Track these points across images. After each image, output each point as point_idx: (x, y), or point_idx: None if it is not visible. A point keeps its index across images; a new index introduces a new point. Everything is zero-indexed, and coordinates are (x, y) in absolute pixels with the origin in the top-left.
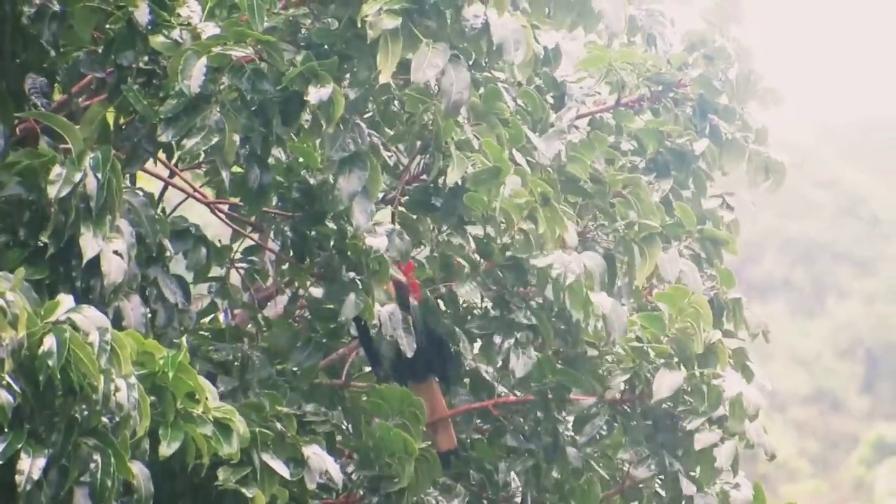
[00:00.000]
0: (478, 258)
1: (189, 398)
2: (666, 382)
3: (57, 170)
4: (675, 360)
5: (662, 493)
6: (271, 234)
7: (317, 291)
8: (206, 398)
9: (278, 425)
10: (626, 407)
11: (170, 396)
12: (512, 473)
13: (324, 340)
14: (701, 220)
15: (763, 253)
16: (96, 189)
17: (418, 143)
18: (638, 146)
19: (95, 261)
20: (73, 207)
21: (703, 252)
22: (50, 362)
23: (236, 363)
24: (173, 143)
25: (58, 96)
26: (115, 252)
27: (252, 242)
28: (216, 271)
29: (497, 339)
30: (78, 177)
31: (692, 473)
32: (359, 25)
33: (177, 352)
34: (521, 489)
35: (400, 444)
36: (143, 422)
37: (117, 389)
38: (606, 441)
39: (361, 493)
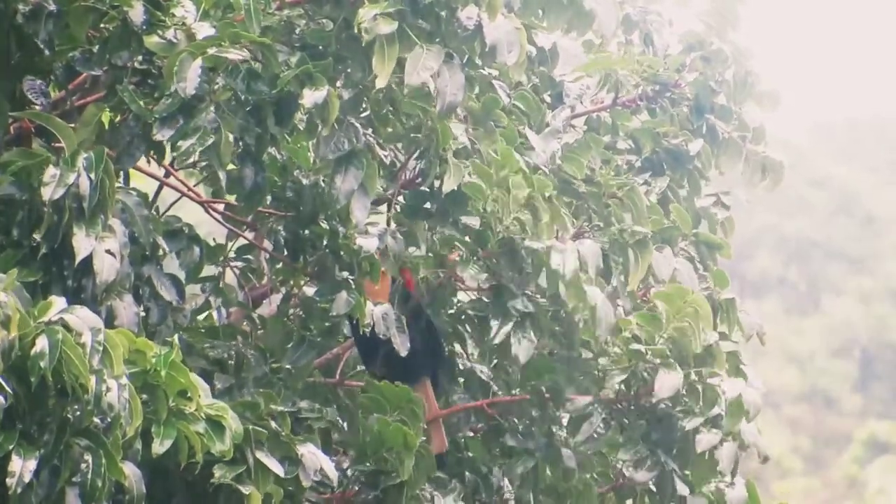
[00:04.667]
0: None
1: (181, 396)
2: (667, 383)
3: (51, 171)
4: (671, 360)
5: (654, 489)
6: (265, 234)
7: (310, 290)
8: (199, 396)
9: (272, 423)
10: (621, 406)
11: (162, 394)
12: (505, 477)
13: (318, 339)
14: (695, 220)
15: (757, 251)
16: (89, 190)
17: (414, 146)
18: (634, 146)
19: (88, 260)
20: (66, 208)
21: (697, 255)
22: (42, 363)
23: (231, 361)
24: (167, 142)
25: (53, 95)
26: (108, 251)
27: (246, 241)
28: (210, 270)
29: (494, 324)
30: (72, 178)
31: (686, 473)
32: (355, 30)
33: (169, 350)
34: (514, 492)
35: (399, 438)
36: (134, 422)
37: (108, 390)
38: (602, 440)
39: (357, 488)
